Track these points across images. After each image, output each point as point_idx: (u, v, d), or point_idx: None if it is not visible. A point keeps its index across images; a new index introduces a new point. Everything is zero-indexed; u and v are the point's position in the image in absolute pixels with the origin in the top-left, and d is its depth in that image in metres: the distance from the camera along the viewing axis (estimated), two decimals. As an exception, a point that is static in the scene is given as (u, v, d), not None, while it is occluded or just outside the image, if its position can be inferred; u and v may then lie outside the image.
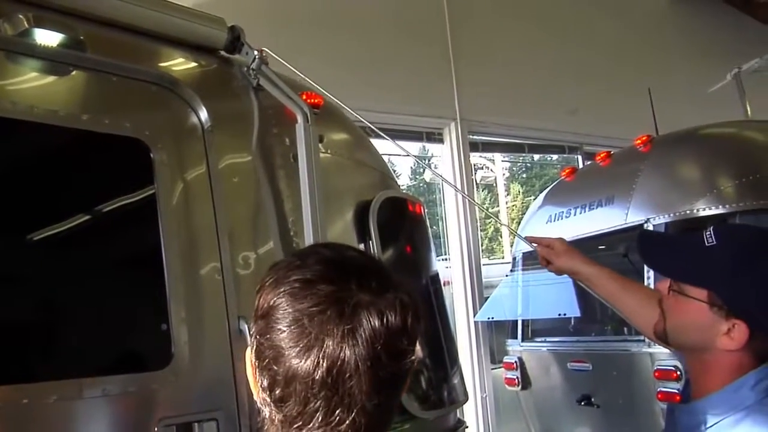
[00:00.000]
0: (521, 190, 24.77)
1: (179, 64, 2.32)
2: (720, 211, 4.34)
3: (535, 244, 2.36)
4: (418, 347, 1.02)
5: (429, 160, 8.30)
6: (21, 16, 1.89)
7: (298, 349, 0.95)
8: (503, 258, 17.23)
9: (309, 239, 2.22)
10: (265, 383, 0.99)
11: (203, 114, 2.20)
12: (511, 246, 8.07)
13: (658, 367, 4.37)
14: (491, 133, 7.80)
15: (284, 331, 0.96)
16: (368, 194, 2.67)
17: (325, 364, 0.93)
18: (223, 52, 2.46)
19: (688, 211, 4.44)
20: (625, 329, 4.85)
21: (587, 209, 5.27)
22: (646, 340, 4.22)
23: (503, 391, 6.51)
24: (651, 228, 4.53)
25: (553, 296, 5.00)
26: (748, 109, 6.64)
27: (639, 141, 5.19)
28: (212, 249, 2.09)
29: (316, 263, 1.01)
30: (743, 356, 1.52)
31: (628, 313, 2.13)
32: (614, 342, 5.06)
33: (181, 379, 1.93)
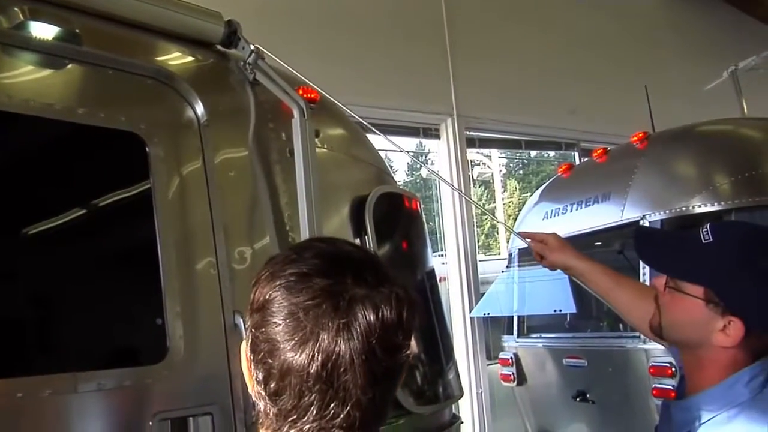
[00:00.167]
0: (518, 187, 24.79)
1: (175, 58, 2.31)
2: (716, 208, 4.35)
3: (528, 240, 2.36)
4: (413, 342, 1.02)
5: (426, 156, 8.30)
6: (16, 9, 1.89)
7: (293, 342, 0.95)
8: (499, 254, 17.25)
9: (305, 234, 2.22)
10: (260, 377, 0.99)
11: (199, 108, 2.19)
12: (508, 242, 8.08)
13: (653, 363, 4.38)
14: (488, 129, 7.80)
15: (279, 324, 0.96)
16: (364, 189, 2.67)
17: (320, 358, 0.93)
18: (219, 47, 2.46)
19: (684, 208, 4.45)
20: (621, 326, 4.86)
21: (583, 206, 5.28)
22: (642, 336, 4.23)
23: (499, 386, 6.52)
24: (647, 225, 4.54)
25: (549, 292, 5.01)
26: (745, 106, 6.66)
27: (635, 138, 5.20)
28: (208, 243, 2.09)
29: (312, 257, 1.01)
30: (738, 353, 1.53)
31: (622, 308, 2.13)
32: (610, 338, 5.07)
33: (176, 373, 1.93)
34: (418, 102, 6.83)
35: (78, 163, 2.03)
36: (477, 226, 9.60)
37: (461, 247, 7.01)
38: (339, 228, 2.53)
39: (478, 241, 8.48)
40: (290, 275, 0.99)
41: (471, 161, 8.35)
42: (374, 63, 6.47)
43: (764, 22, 11.18)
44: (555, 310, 5.22)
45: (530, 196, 6.88)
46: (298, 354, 0.94)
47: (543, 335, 5.79)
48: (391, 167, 7.20)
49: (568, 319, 5.53)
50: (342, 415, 0.95)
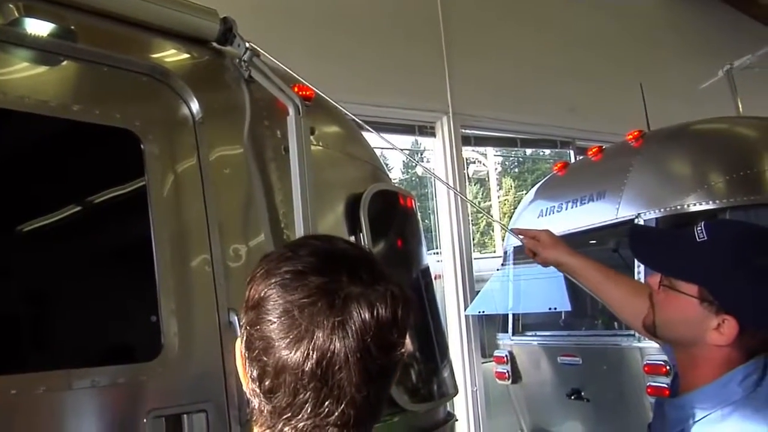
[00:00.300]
0: (513, 185, 24.78)
1: (171, 55, 2.31)
2: (711, 206, 4.36)
3: (521, 236, 2.36)
4: (408, 340, 1.02)
5: (421, 154, 8.29)
6: (11, 6, 1.88)
7: (288, 340, 0.95)
8: (495, 252, 17.25)
9: (300, 231, 2.22)
10: (255, 374, 0.99)
11: (194, 105, 2.19)
12: (503, 240, 8.08)
13: (648, 361, 4.39)
14: (484, 127, 7.80)
15: (274, 322, 0.96)
16: (359, 187, 2.67)
17: (314, 356, 0.93)
18: (215, 44, 2.46)
19: (679, 207, 4.46)
20: (615, 324, 4.87)
21: (579, 204, 5.28)
22: (636, 334, 4.23)
23: (493, 384, 6.53)
24: (642, 223, 4.55)
25: (544, 290, 5.01)
26: (740, 105, 6.67)
27: (630, 136, 5.21)
28: (202, 241, 2.08)
29: (307, 255, 1.01)
30: (732, 351, 1.53)
31: (614, 304, 2.13)
32: (604, 336, 5.08)
33: (171, 370, 1.93)
34: (413, 100, 6.83)
35: (73, 161, 2.02)
36: (472, 224, 9.61)
37: (456, 245, 7.01)
38: (334, 225, 2.53)
39: (473, 239, 8.49)
40: (285, 273, 0.99)
41: (466, 159, 8.33)
42: (370, 60, 6.46)
43: (760, 21, 11.21)
44: (550, 308, 5.22)
45: (525, 194, 6.88)
46: (293, 352, 0.94)
47: (538, 333, 5.79)
48: (387, 165, 7.19)
49: (562, 317, 5.53)
50: (336, 413, 0.96)
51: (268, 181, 2.34)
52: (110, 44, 2.11)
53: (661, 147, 5.01)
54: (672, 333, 1.66)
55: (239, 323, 1.14)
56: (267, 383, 0.97)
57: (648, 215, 4.58)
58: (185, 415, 1.90)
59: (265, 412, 1.00)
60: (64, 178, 2.00)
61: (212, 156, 2.20)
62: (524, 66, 7.79)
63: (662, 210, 4.53)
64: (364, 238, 2.55)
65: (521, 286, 5.63)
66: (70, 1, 2.07)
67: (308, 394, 0.95)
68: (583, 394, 5.11)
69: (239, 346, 1.05)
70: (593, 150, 5.66)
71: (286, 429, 0.98)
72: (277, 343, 0.95)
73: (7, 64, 1.89)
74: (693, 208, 4.40)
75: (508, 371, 5.89)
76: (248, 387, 1.02)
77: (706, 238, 1.57)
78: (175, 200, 2.08)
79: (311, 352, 0.93)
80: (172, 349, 1.93)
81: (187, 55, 2.35)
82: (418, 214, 3.30)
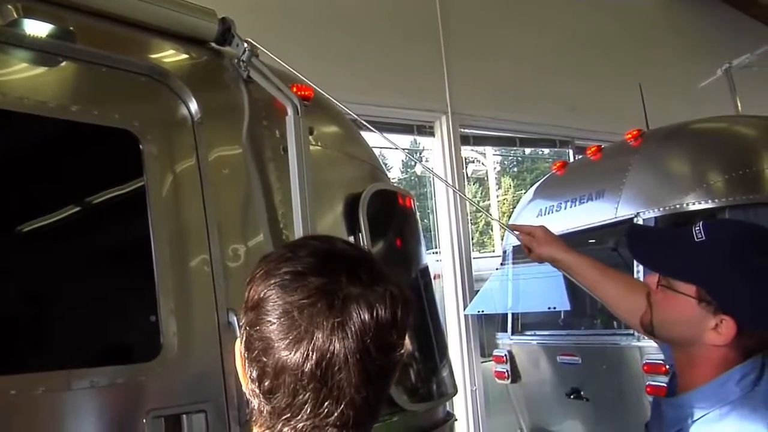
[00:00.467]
0: (512, 184, 24.78)
1: (169, 55, 2.31)
2: (710, 205, 4.36)
3: (517, 232, 2.36)
4: (407, 340, 1.02)
5: (420, 154, 8.30)
6: (10, 7, 1.88)
7: (287, 341, 0.95)
8: (494, 251, 17.26)
9: (299, 232, 2.22)
10: (254, 375, 0.99)
11: (193, 106, 2.19)
12: (502, 239, 8.08)
13: (647, 360, 4.39)
14: (482, 126, 7.79)
15: (274, 323, 0.96)
16: (358, 187, 2.67)
17: (314, 357, 0.93)
18: (213, 44, 2.46)
19: (678, 206, 4.46)
20: (615, 323, 4.87)
21: (577, 203, 5.29)
22: (636, 333, 4.24)
23: (493, 384, 6.54)
24: (641, 222, 4.55)
25: (543, 290, 5.01)
26: (739, 104, 6.68)
27: (629, 135, 5.21)
28: (201, 241, 2.08)
29: (306, 255, 1.01)
30: (729, 351, 1.53)
31: (610, 301, 2.13)
32: (603, 335, 5.08)
33: (170, 370, 1.93)
34: (412, 99, 6.82)
35: (71, 161, 2.02)
36: (471, 224, 9.61)
37: (455, 245, 7.01)
38: (333, 225, 2.53)
39: (472, 239, 8.49)
40: (285, 273, 0.99)
41: (465, 158, 8.33)
42: (368, 60, 6.46)
43: (759, 20, 11.21)
44: (549, 308, 5.23)
45: (525, 193, 6.88)
46: (293, 353, 0.94)
47: (537, 332, 5.80)
48: (386, 165, 7.19)
49: (562, 317, 5.54)
50: (336, 414, 0.96)
51: (267, 181, 2.34)
52: (109, 45, 2.12)
53: (660, 146, 5.02)
54: (670, 333, 1.66)
55: (239, 324, 1.14)
56: (266, 384, 0.98)
57: (647, 214, 4.59)
58: (184, 416, 1.90)
59: (265, 412, 1.00)
60: (63, 178, 2.00)
61: (211, 156, 2.20)
62: (523, 65, 7.79)
63: (661, 209, 4.53)
64: (363, 237, 2.56)
65: (520, 285, 5.64)
66: (69, 2, 2.07)
67: (308, 394, 0.95)
68: (582, 393, 5.12)
69: (239, 347, 1.05)
70: (592, 149, 5.66)
71: (285, 429, 0.98)
72: (276, 344, 0.96)
73: (6, 65, 1.90)
74: (692, 207, 4.40)
75: (507, 371, 5.89)
76: (248, 387, 1.02)
77: (704, 238, 1.57)
78: (174, 200, 2.08)
79: (311, 353, 0.93)
80: (172, 349, 1.94)
81: (185, 56, 2.35)
82: (417, 213, 3.30)
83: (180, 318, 1.97)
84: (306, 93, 2.48)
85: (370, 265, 1.03)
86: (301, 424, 0.97)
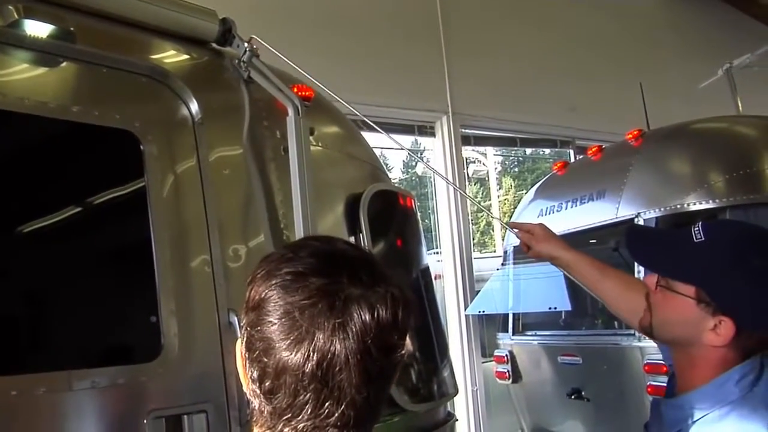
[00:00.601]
0: (513, 184, 24.75)
1: (170, 56, 2.31)
2: (710, 205, 4.36)
3: (516, 230, 2.36)
4: (408, 341, 1.02)
5: (421, 154, 8.30)
6: (11, 7, 1.88)
7: (288, 341, 0.95)
8: (495, 252, 17.24)
9: (299, 232, 2.22)
10: (255, 375, 0.99)
11: (194, 106, 2.19)
12: (503, 240, 8.08)
13: (648, 360, 4.39)
14: (483, 126, 7.79)
15: (275, 323, 0.96)
16: (359, 187, 2.67)
17: (315, 357, 0.93)
18: (214, 45, 2.46)
19: (678, 206, 4.46)
20: (616, 323, 4.86)
21: (578, 203, 5.28)
22: (636, 334, 4.24)
23: (494, 384, 6.54)
24: (642, 222, 4.55)
25: (544, 290, 5.01)
26: (739, 104, 6.68)
27: (630, 135, 5.21)
28: (202, 241, 2.09)
29: (307, 256, 1.01)
30: (729, 352, 1.53)
31: (608, 299, 2.12)
32: (604, 336, 5.08)
33: (171, 371, 1.93)
34: (413, 99, 6.82)
35: (72, 161, 2.03)
36: (472, 224, 9.61)
37: (456, 245, 7.01)
38: (333, 226, 2.53)
39: (473, 239, 8.49)
40: (286, 274, 0.99)
41: (466, 159, 8.32)
42: (369, 60, 6.46)
43: (759, 20, 11.21)
44: (550, 308, 5.23)
45: (525, 193, 6.88)
46: (294, 353, 0.94)
47: (538, 333, 5.80)
48: (386, 165, 7.19)
49: (563, 317, 5.54)
50: (336, 414, 0.96)
51: (268, 182, 2.34)
52: (109, 45, 2.12)
53: (661, 146, 5.02)
54: (669, 333, 1.66)
55: (239, 324, 1.14)
56: (267, 384, 0.97)
57: (648, 214, 4.58)
58: (185, 416, 1.90)
59: (266, 412, 1.00)
60: (64, 179, 2.00)
61: (212, 156, 2.20)
62: (524, 65, 7.79)
63: (662, 209, 4.53)
64: (364, 238, 2.56)
65: (521, 285, 5.63)
66: (70, 3, 2.07)
67: (308, 395, 0.95)
68: (583, 393, 5.12)
69: (240, 347, 1.05)
70: (593, 149, 5.66)
71: (286, 430, 0.98)
72: (277, 345, 0.95)
73: (7, 65, 1.90)
74: (693, 208, 4.40)
75: (508, 371, 5.89)
76: (248, 388, 1.02)
77: (703, 238, 1.57)
78: (174, 201, 2.08)
79: (312, 354, 0.93)
80: (172, 349, 1.94)
81: (186, 56, 2.35)
82: (418, 213, 3.30)
83: (181, 318, 1.97)
84: (306, 93, 2.48)
85: (371, 265, 1.03)
86: (301, 425, 0.97)
